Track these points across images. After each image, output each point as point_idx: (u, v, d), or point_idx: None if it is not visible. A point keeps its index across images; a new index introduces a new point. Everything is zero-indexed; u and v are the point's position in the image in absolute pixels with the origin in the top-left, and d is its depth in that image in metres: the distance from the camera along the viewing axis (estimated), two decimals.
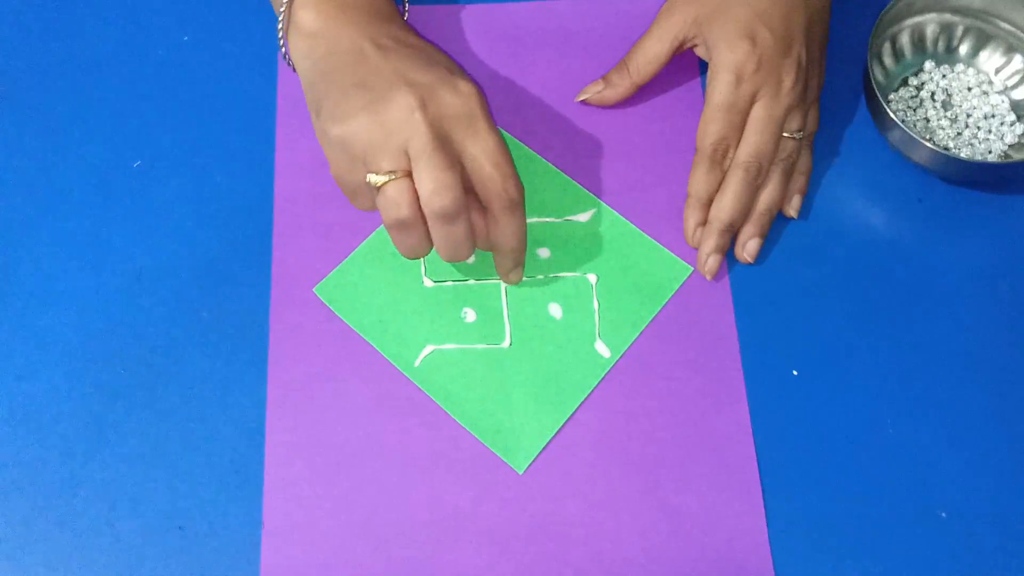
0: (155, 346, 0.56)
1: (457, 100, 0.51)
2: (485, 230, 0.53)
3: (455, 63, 0.55)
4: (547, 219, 0.61)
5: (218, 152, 0.62)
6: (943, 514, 0.55)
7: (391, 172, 0.50)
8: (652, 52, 0.61)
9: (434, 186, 0.49)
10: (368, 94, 0.51)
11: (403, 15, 0.59)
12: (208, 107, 0.64)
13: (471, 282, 0.59)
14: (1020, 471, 0.55)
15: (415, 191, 0.50)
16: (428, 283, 0.59)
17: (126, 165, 0.62)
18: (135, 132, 0.63)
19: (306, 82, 0.55)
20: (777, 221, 0.61)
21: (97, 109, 0.64)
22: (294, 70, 0.56)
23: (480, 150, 0.51)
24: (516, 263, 0.56)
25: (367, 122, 0.50)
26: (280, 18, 0.55)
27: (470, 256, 0.55)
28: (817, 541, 0.54)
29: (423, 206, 0.50)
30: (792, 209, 0.61)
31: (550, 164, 0.62)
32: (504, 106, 0.64)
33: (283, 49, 0.56)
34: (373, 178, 0.50)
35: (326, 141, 0.52)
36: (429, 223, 0.51)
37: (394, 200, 0.50)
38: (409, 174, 0.50)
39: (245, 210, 0.61)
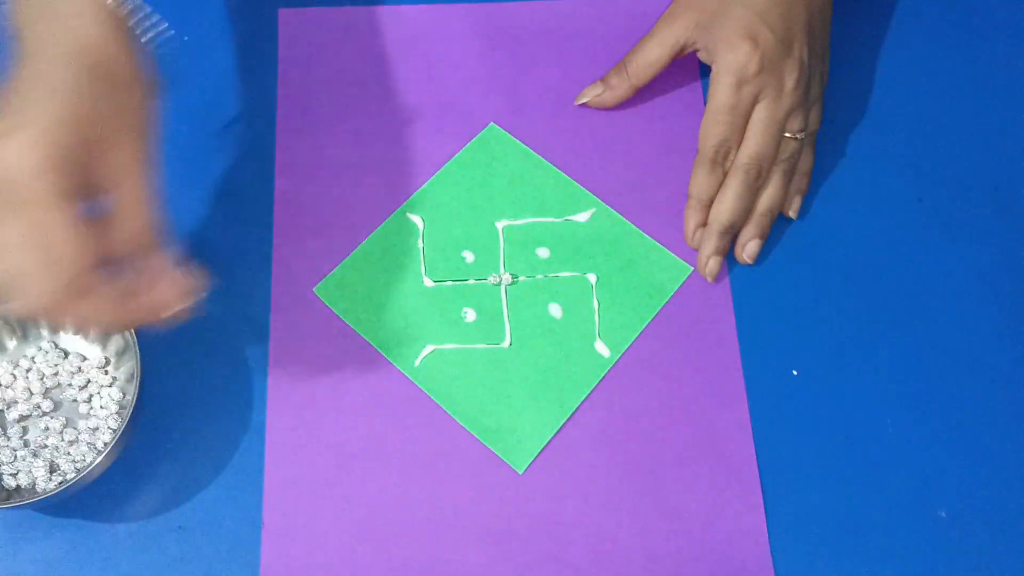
0: (155, 346, 0.56)
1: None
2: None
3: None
4: (547, 219, 0.61)
5: (218, 152, 0.62)
6: (943, 514, 0.55)
7: None
8: (652, 56, 0.61)
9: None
10: None
11: None
12: (208, 107, 0.64)
13: (471, 282, 0.59)
14: (1020, 471, 0.55)
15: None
16: (428, 283, 0.59)
17: None
18: None
19: None
20: (777, 221, 0.61)
21: None
22: None
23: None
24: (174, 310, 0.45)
25: None
26: None
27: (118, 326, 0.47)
28: (817, 541, 0.54)
29: None
30: (792, 210, 0.61)
31: (550, 164, 0.62)
32: (504, 106, 0.64)
33: None
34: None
35: None
36: None
37: None
38: None
39: (245, 210, 0.61)
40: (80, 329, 0.45)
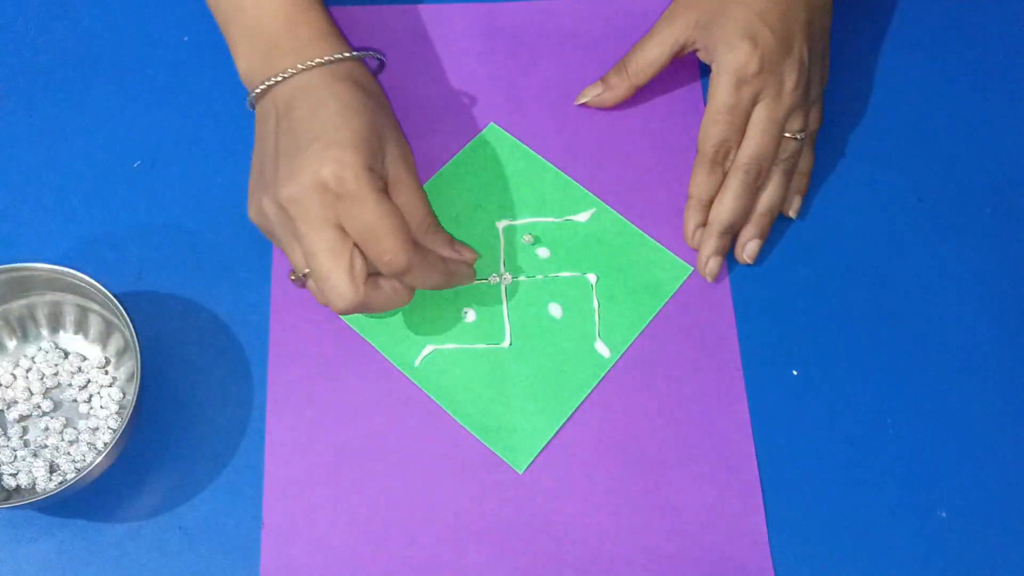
0: (155, 346, 0.56)
1: (314, 181, 0.48)
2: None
3: (351, 108, 0.51)
4: (547, 219, 0.61)
5: (218, 152, 0.62)
6: (943, 514, 0.55)
7: (300, 270, 0.51)
8: (652, 55, 0.61)
9: (320, 286, 0.50)
10: (259, 181, 0.52)
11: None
12: (208, 107, 0.64)
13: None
14: (1020, 471, 0.55)
15: None
16: None
17: (126, 165, 0.62)
18: (135, 132, 0.63)
19: None
20: (777, 221, 0.61)
21: (97, 109, 0.64)
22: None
23: (352, 229, 0.49)
24: (459, 283, 0.56)
25: (260, 218, 0.52)
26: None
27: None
28: (817, 541, 0.54)
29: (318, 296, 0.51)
30: (792, 210, 0.61)
31: (550, 164, 0.62)
32: (504, 106, 0.64)
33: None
34: (292, 278, 0.52)
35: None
36: None
37: (317, 295, 0.52)
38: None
39: (245, 210, 0.61)
40: (424, 284, 0.53)
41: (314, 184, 0.49)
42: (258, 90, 0.53)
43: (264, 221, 0.52)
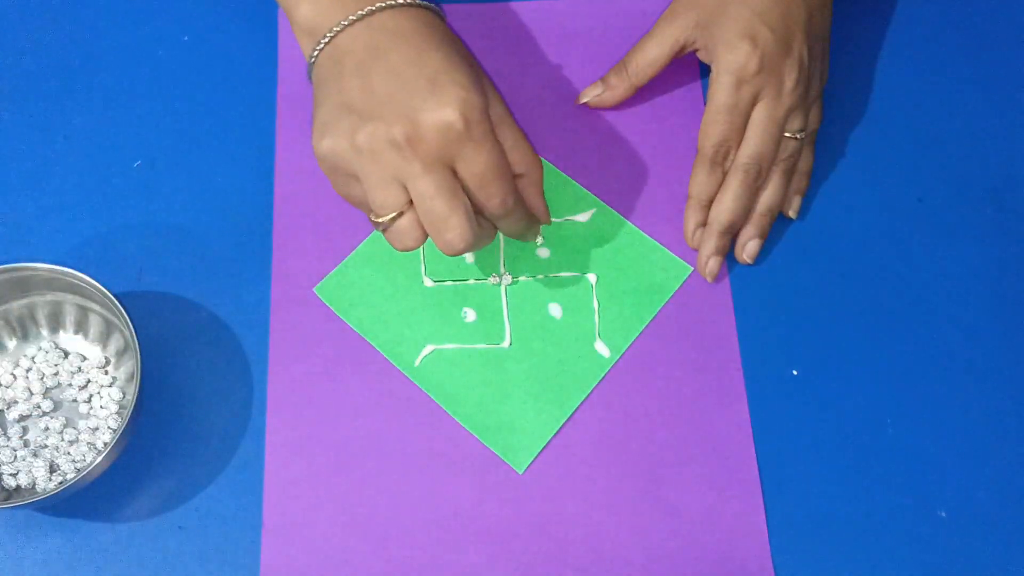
0: (155, 346, 0.56)
1: (442, 121, 0.48)
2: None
3: (455, 53, 0.51)
4: None
5: (218, 152, 0.62)
6: (943, 514, 0.55)
7: (392, 211, 0.50)
8: (652, 55, 0.61)
9: (438, 228, 0.49)
10: (349, 118, 0.49)
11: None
12: (208, 107, 0.64)
13: (471, 282, 0.59)
14: (1020, 471, 0.55)
15: (420, 224, 0.50)
16: (428, 283, 0.59)
17: (126, 165, 0.62)
18: (135, 132, 0.63)
19: (313, 86, 0.54)
20: (777, 221, 0.61)
21: (97, 109, 0.64)
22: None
23: (468, 171, 0.49)
24: (526, 237, 0.57)
25: (351, 152, 0.49)
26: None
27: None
28: (817, 541, 0.54)
29: (431, 236, 0.50)
30: (792, 210, 0.61)
31: (550, 164, 0.62)
32: None
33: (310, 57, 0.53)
34: (375, 219, 0.50)
35: (317, 156, 0.51)
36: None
37: (400, 236, 0.50)
38: (409, 204, 0.49)
39: (245, 210, 0.61)
40: (511, 229, 0.54)
41: (439, 124, 0.48)
42: (337, 27, 0.51)
43: (349, 156, 0.49)
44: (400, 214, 0.50)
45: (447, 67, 0.49)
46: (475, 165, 0.49)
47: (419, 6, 0.52)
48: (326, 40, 0.51)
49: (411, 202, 0.49)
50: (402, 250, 0.51)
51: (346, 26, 0.51)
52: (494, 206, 0.51)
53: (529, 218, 0.54)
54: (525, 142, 0.52)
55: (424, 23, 0.51)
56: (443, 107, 0.48)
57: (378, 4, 0.51)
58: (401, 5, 0.51)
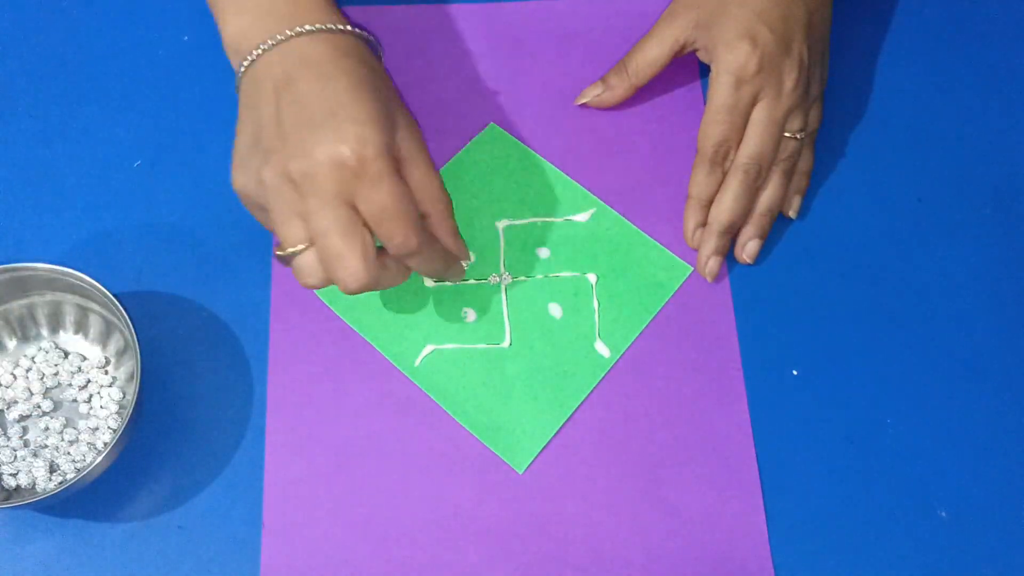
0: (155, 346, 0.56)
1: (334, 158, 0.47)
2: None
3: (364, 84, 0.49)
4: (547, 219, 0.61)
5: (218, 152, 0.62)
6: (943, 514, 0.55)
7: (293, 245, 0.49)
8: (652, 55, 0.61)
9: (332, 265, 0.48)
10: (257, 152, 0.49)
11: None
12: (208, 107, 0.64)
13: (471, 282, 0.59)
14: (1020, 471, 0.55)
15: (319, 262, 0.49)
16: (428, 283, 0.59)
17: (126, 165, 0.62)
18: (135, 132, 0.63)
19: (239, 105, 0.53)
20: (777, 221, 0.61)
21: (97, 109, 0.64)
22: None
23: (366, 209, 0.48)
24: (448, 277, 0.55)
25: (257, 187, 0.49)
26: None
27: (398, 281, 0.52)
28: (817, 541, 0.54)
29: (327, 274, 0.49)
30: (792, 210, 0.61)
31: (550, 164, 0.62)
32: (504, 106, 0.64)
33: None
34: (278, 252, 0.50)
35: (234, 189, 0.51)
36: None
37: (300, 272, 0.49)
38: (310, 243, 0.49)
39: (245, 210, 0.61)
40: (425, 268, 0.52)
41: (332, 160, 0.47)
42: (257, 51, 0.50)
43: (257, 191, 0.49)
44: (305, 249, 0.49)
45: (350, 100, 0.48)
46: (371, 204, 0.48)
47: (340, 32, 0.51)
48: (246, 64, 0.51)
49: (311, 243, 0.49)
50: (305, 287, 0.50)
51: (265, 50, 0.50)
52: (395, 246, 0.49)
53: (446, 256, 0.53)
54: (435, 179, 0.51)
55: (340, 51, 0.50)
56: (337, 143, 0.47)
57: (296, 29, 0.50)
58: (319, 31, 0.50)
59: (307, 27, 0.50)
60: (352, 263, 0.48)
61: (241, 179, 0.50)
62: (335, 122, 0.47)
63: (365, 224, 0.48)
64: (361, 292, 0.49)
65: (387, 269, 0.51)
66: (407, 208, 0.49)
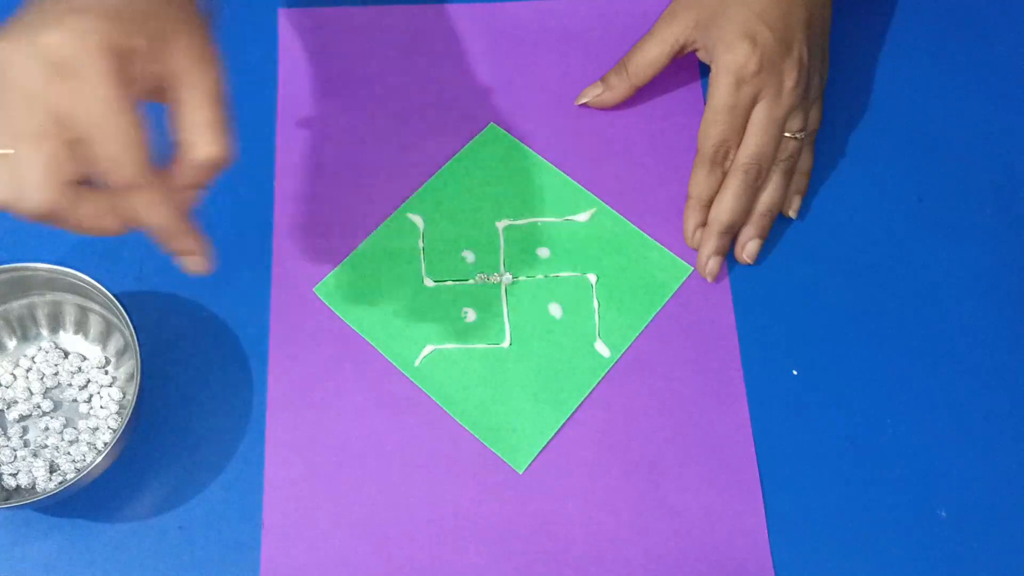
0: (155, 346, 0.56)
1: (57, 47, 0.39)
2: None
3: None
4: (547, 219, 0.61)
5: None
6: (943, 514, 0.55)
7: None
8: (652, 55, 0.61)
9: (21, 185, 0.40)
10: None
11: None
12: None
13: (471, 282, 0.59)
14: (1020, 471, 0.55)
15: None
16: (428, 283, 0.59)
17: None
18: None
19: None
20: (777, 221, 0.61)
21: None
22: None
23: (82, 119, 0.40)
24: (172, 243, 0.45)
25: None
26: None
27: (118, 229, 0.43)
28: (817, 541, 0.54)
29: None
30: (792, 210, 0.61)
31: (550, 164, 0.62)
32: (504, 106, 0.64)
33: None
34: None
35: None
36: None
37: None
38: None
39: (245, 210, 0.61)
40: (145, 217, 0.43)
41: (34, 50, 0.39)
42: None
43: None
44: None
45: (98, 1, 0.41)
46: (80, 111, 0.40)
47: None
48: None
49: None
50: (26, 214, 0.41)
51: None
52: (103, 170, 0.41)
53: (175, 215, 0.44)
54: (211, 105, 0.44)
55: None
56: (44, 31, 0.40)
57: None
58: None
59: None
60: (30, 171, 0.40)
61: None
62: (58, 12, 0.40)
63: (78, 141, 0.40)
64: (42, 218, 0.41)
65: (83, 201, 0.41)
66: (126, 125, 0.40)
